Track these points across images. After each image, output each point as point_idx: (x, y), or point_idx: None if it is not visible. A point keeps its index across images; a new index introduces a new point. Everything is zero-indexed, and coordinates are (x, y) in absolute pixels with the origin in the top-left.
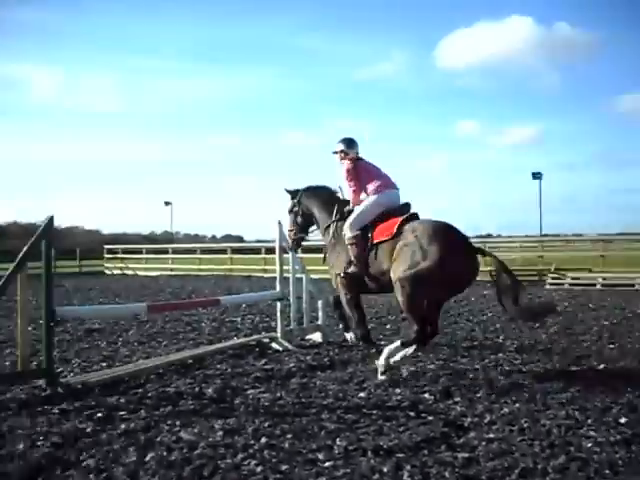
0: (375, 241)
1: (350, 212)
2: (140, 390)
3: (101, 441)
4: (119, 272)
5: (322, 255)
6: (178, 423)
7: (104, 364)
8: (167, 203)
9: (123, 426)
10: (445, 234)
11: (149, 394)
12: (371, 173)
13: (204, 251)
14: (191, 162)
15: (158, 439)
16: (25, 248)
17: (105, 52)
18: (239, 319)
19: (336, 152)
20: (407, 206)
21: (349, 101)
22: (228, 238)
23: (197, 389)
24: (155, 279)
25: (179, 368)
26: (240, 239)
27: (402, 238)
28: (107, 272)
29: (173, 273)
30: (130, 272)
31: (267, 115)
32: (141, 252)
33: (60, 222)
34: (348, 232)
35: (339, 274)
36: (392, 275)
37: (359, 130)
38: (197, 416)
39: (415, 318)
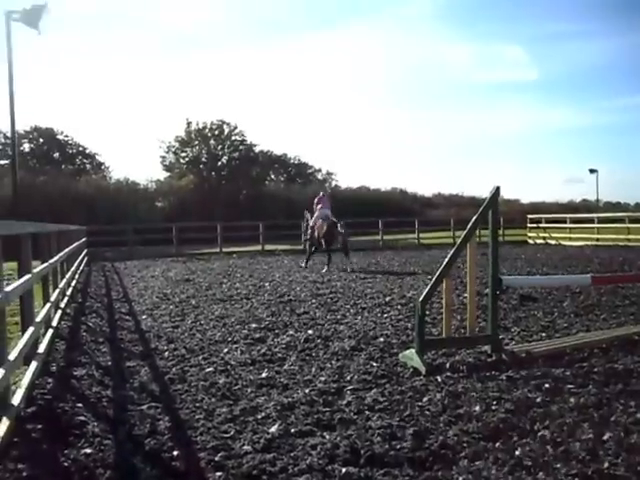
0: (316, 227)
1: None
2: (585, 364)
3: (552, 413)
4: (542, 242)
5: None
6: (632, 404)
7: (543, 334)
8: (592, 171)
9: (573, 400)
10: (325, 224)
11: (595, 369)
12: (321, 202)
13: (632, 220)
14: (609, 126)
15: (613, 418)
16: (474, 217)
17: (512, 22)
18: None
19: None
20: (328, 217)
21: None
22: None
23: None
24: (580, 249)
25: (624, 344)
26: None
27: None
28: (530, 241)
29: (599, 243)
30: (553, 242)
31: None
32: (564, 221)
33: (482, 192)
34: (311, 223)
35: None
36: (317, 235)
37: None
38: None
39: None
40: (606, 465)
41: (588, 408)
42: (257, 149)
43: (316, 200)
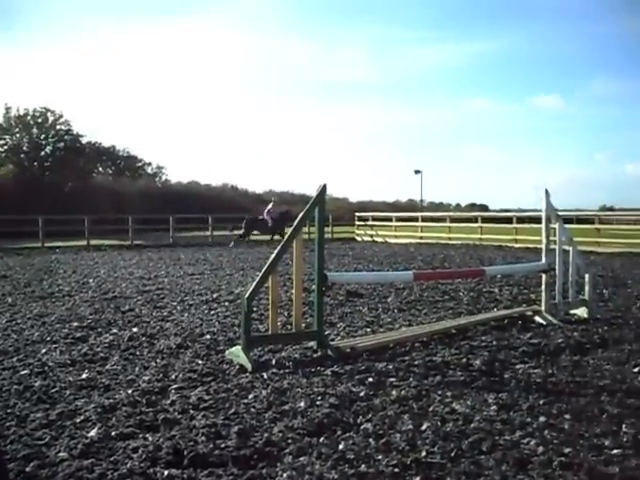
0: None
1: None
2: (407, 358)
3: (375, 406)
4: (369, 239)
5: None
6: (449, 394)
7: (368, 329)
8: (417, 171)
9: (394, 393)
10: (256, 219)
11: (416, 362)
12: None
13: (453, 220)
14: (434, 130)
15: (431, 409)
16: (300, 214)
17: (355, 23)
18: (497, 290)
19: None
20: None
21: (605, 60)
22: (473, 207)
23: (464, 360)
24: (405, 247)
25: (443, 337)
26: (485, 208)
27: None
28: (358, 239)
29: (422, 241)
30: (380, 239)
31: (517, 78)
32: (390, 220)
33: (311, 190)
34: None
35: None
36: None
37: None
38: (468, 388)
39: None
40: (424, 454)
41: (408, 400)
42: (84, 140)
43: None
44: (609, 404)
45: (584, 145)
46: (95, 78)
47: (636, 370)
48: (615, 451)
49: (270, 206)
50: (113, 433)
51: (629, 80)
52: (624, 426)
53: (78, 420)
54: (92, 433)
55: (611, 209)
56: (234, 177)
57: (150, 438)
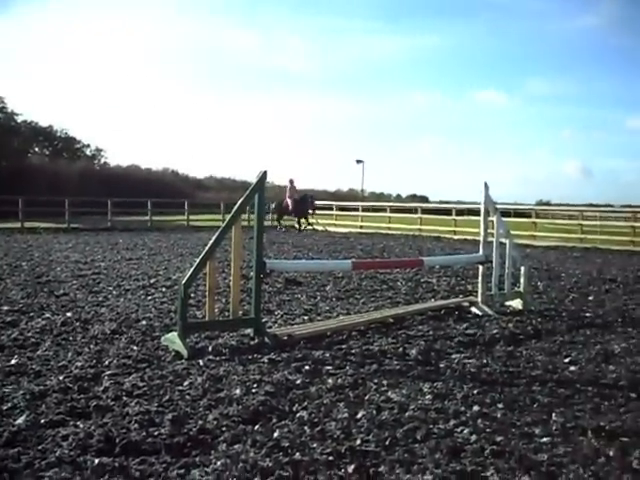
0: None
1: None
2: (344, 346)
3: (311, 394)
4: (310, 227)
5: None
6: (385, 383)
7: (306, 317)
8: (359, 161)
9: (331, 381)
10: (297, 200)
11: (353, 351)
12: (291, 189)
13: (393, 210)
14: (377, 121)
15: (367, 397)
16: (240, 201)
17: (295, 13)
18: (435, 280)
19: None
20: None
21: (549, 58)
22: (414, 198)
23: (401, 349)
24: (345, 236)
25: (380, 327)
26: (425, 199)
27: None
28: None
29: (362, 230)
30: (320, 228)
31: (461, 73)
32: (331, 208)
33: (253, 177)
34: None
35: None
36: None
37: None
38: (404, 377)
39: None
40: (358, 442)
41: (345, 388)
42: (19, 119)
43: (289, 188)
44: (540, 394)
45: (524, 141)
46: (36, 58)
47: (567, 361)
48: (544, 439)
49: (289, 188)
50: (42, 421)
51: (569, 79)
52: (554, 415)
53: (5, 407)
54: (19, 421)
55: (547, 204)
56: (175, 162)
57: (81, 425)
